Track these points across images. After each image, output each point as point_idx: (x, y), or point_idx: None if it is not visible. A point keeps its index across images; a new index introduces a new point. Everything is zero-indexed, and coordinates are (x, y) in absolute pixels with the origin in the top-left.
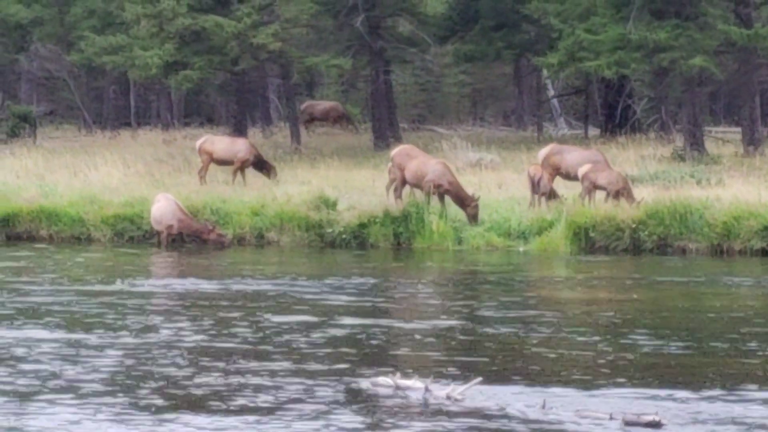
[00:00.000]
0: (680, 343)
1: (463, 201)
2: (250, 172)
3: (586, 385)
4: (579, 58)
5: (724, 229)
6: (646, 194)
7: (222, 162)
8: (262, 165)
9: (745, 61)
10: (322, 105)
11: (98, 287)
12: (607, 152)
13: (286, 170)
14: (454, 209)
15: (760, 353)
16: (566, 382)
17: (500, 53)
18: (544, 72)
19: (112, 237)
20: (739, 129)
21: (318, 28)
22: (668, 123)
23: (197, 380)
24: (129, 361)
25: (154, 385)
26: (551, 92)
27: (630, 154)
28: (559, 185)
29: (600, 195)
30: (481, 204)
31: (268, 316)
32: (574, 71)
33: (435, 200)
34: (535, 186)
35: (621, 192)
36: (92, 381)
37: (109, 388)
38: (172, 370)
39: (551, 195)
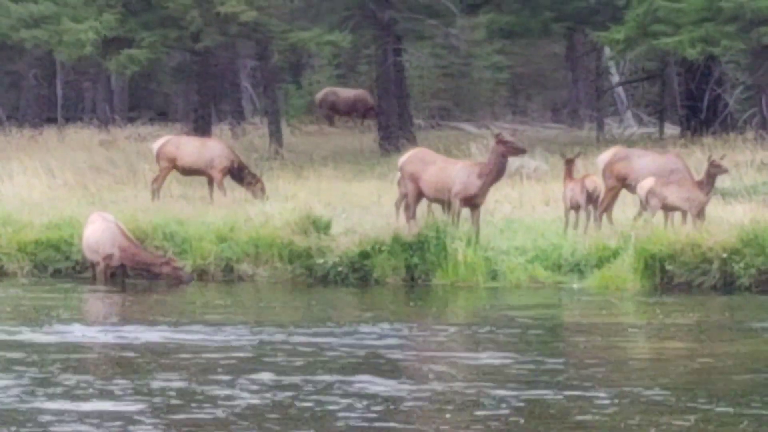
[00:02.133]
0: None
1: None
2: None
3: None
4: (653, 32)
5: None
6: (741, 212)
7: (190, 171)
8: (242, 175)
9: None
10: (346, 93)
11: (27, 335)
12: (689, 157)
13: (264, 181)
14: (487, 233)
15: None
16: None
17: (549, 27)
18: (607, 51)
19: (31, 270)
20: None
21: None
22: None
23: None
24: None
25: None
26: (615, 78)
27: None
28: (627, 201)
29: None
30: (522, 227)
31: (252, 377)
32: (645, 50)
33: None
34: (592, 200)
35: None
36: None
37: None
38: None
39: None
